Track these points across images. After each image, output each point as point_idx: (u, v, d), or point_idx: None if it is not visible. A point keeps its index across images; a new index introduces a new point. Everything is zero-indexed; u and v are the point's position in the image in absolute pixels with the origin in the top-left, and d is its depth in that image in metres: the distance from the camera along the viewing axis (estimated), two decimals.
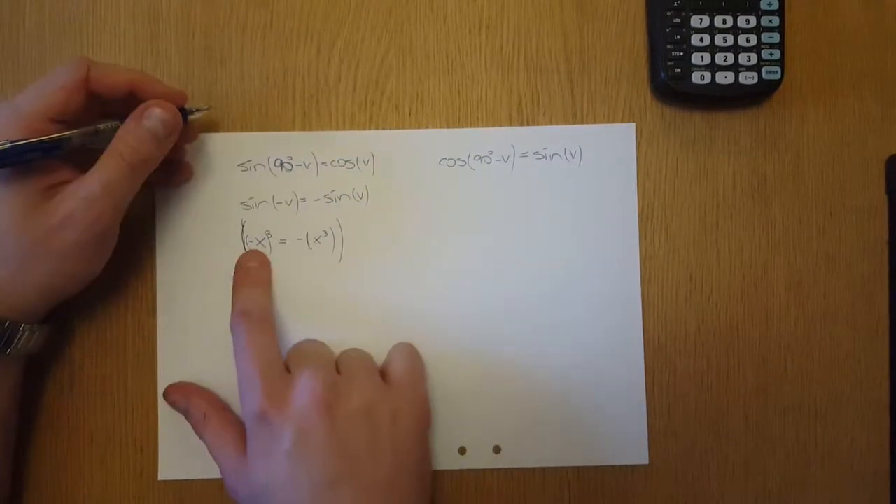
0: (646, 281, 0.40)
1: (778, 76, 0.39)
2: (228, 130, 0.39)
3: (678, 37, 0.39)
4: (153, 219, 0.38)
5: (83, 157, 0.33)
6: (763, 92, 0.39)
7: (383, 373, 0.36)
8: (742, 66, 0.39)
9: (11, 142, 0.30)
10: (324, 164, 0.39)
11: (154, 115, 0.33)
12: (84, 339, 0.38)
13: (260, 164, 0.39)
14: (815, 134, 0.41)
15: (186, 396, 0.36)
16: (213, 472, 0.37)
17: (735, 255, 0.40)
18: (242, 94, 0.39)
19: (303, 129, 0.39)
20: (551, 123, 0.40)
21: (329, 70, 0.40)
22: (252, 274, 0.37)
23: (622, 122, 0.40)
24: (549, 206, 0.39)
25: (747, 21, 0.39)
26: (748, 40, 0.39)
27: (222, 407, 0.36)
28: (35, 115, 0.31)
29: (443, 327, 0.38)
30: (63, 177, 0.32)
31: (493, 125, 0.40)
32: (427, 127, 0.40)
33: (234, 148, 0.39)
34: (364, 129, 0.40)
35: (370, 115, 0.40)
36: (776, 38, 0.39)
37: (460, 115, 0.40)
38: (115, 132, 0.33)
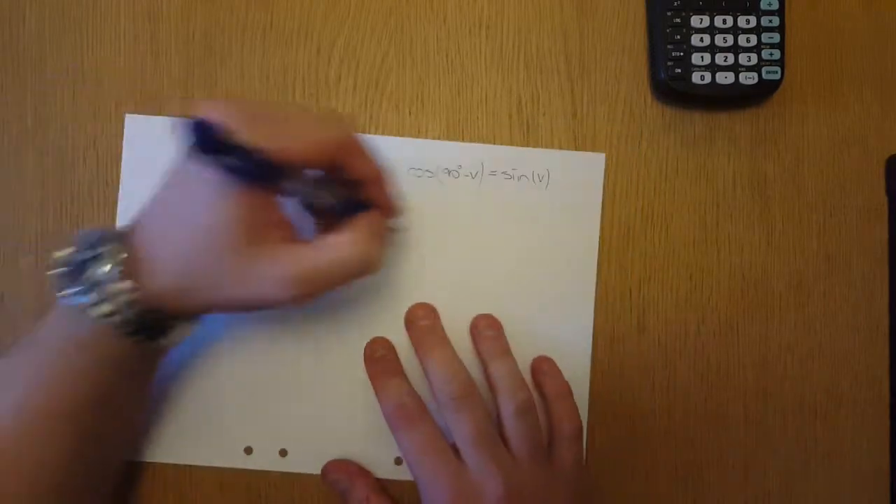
0: (646, 280, 0.40)
1: (778, 76, 0.39)
2: None
3: (678, 37, 0.39)
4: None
5: None
6: (763, 92, 0.39)
7: (549, 440, 0.37)
8: (742, 66, 0.39)
9: (255, 153, 0.27)
10: None
11: (392, 228, 0.34)
12: None
13: None
14: (815, 134, 0.41)
15: (350, 477, 0.37)
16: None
17: (735, 255, 0.40)
18: (242, 94, 0.39)
19: None
20: (551, 123, 0.40)
21: (329, 70, 0.40)
22: (384, 363, 0.37)
23: (622, 121, 0.40)
24: (512, 227, 0.39)
25: (747, 21, 0.39)
26: (748, 40, 0.39)
27: (382, 489, 0.37)
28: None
29: (406, 343, 0.38)
30: (277, 217, 0.31)
31: (494, 125, 0.40)
32: (427, 127, 0.40)
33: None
34: (364, 129, 0.39)
35: (370, 115, 0.40)
36: (776, 38, 0.39)
37: (460, 116, 0.40)
38: (323, 199, 0.31)
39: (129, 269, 0.29)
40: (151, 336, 0.31)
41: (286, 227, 0.31)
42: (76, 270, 0.29)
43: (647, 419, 0.39)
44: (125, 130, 0.39)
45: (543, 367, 0.38)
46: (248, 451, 0.38)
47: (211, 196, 0.28)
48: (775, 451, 0.40)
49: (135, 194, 0.39)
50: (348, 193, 0.32)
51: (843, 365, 0.40)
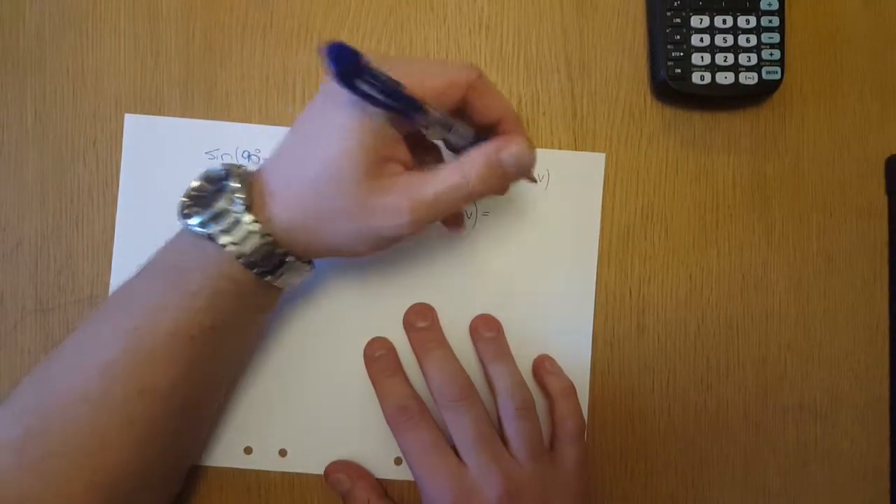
0: (646, 281, 0.40)
1: (778, 76, 0.39)
2: None
3: (678, 37, 0.39)
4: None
5: None
6: (763, 92, 0.39)
7: (552, 436, 0.37)
8: (742, 66, 0.39)
9: (395, 83, 0.27)
10: None
11: (514, 154, 0.30)
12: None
13: (227, 154, 0.39)
14: (815, 134, 0.41)
15: (352, 479, 0.37)
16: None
17: (735, 255, 0.40)
18: (242, 94, 0.39)
19: None
20: (551, 123, 0.40)
21: None
22: (384, 363, 0.37)
23: (622, 121, 0.40)
24: (512, 227, 0.39)
25: (747, 21, 0.39)
26: (748, 40, 0.39)
27: (383, 492, 0.37)
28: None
29: (406, 343, 0.38)
30: (400, 154, 0.31)
31: None
32: None
33: (204, 135, 0.39)
34: None
35: None
36: (776, 38, 0.39)
37: None
38: (464, 138, 0.31)
39: (253, 203, 0.30)
40: (268, 272, 0.31)
41: (406, 164, 0.31)
42: (204, 200, 0.31)
43: (647, 419, 0.39)
44: (125, 130, 0.39)
45: (546, 366, 0.38)
46: (248, 451, 0.38)
47: (344, 120, 0.29)
48: (775, 451, 0.40)
49: (135, 194, 0.39)
50: (477, 132, 0.32)
51: (843, 365, 0.40)
